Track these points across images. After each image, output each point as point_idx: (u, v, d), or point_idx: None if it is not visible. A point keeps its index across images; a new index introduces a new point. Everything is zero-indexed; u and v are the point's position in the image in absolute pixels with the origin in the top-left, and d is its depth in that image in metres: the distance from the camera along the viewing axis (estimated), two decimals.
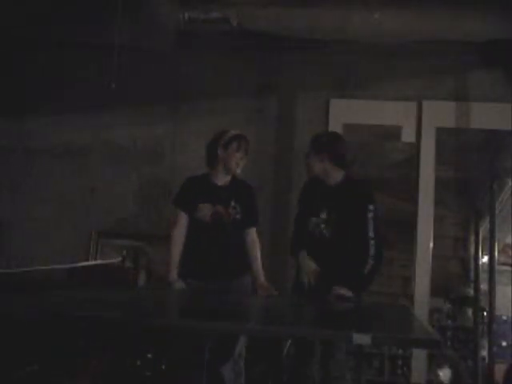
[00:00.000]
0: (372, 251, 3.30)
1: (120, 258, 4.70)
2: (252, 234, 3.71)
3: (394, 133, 4.94)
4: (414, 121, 4.90)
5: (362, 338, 1.95)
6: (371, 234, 3.32)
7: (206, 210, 3.57)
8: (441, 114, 4.88)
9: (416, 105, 4.90)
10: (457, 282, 4.96)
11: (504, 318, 4.82)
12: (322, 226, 3.45)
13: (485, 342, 4.57)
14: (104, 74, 4.24)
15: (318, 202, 3.53)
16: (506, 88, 4.72)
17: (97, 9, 4.45)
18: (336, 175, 3.47)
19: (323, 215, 3.46)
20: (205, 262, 3.57)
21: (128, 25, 4.32)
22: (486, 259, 4.69)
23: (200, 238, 3.63)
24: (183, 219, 3.63)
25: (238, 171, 3.67)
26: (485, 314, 4.65)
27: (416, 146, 4.89)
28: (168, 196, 4.03)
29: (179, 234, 3.63)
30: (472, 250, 4.80)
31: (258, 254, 3.70)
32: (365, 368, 4.80)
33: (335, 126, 4.90)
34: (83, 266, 4.58)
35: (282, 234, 4.64)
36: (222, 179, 3.67)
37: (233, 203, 3.61)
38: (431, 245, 4.77)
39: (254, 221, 3.73)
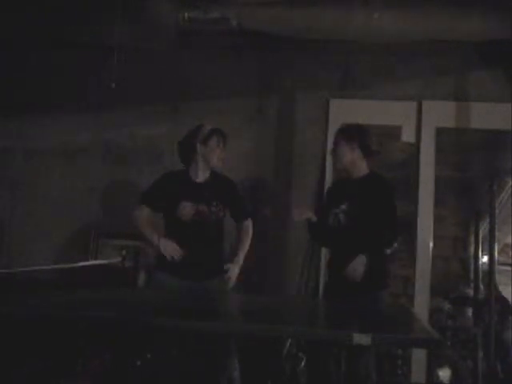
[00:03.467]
0: (391, 236, 3.41)
1: (120, 258, 4.70)
2: (244, 227, 3.68)
3: (394, 133, 4.94)
4: (414, 121, 4.90)
5: (362, 338, 1.95)
6: (393, 221, 3.39)
7: (187, 209, 3.53)
8: (441, 113, 4.87)
9: (416, 105, 4.90)
10: (457, 281, 4.95)
11: None
12: (341, 215, 3.48)
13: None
14: (104, 74, 4.24)
15: (340, 195, 3.56)
16: (506, 88, 4.72)
17: (97, 9, 4.45)
18: (362, 167, 3.52)
19: (344, 206, 3.48)
20: (188, 262, 3.53)
21: (128, 25, 4.32)
22: (485, 259, 4.68)
23: (181, 237, 3.57)
24: (144, 212, 3.63)
25: (220, 166, 3.66)
26: None
27: (416, 146, 4.89)
28: None
29: (146, 222, 3.63)
30: (472, 250, 4.79)
31: (245, 245, 3.66)
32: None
33: (335, 125, 4.88)
34: (83, 266, 4.57)
35: (282, 233, 4.64)
36: (201, 175, 3.64)
37: (215, 202, 3.58)
38: (431, 245, 4.77)
39: (242, 214, 3.70)
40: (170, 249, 3.51)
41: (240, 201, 3.74)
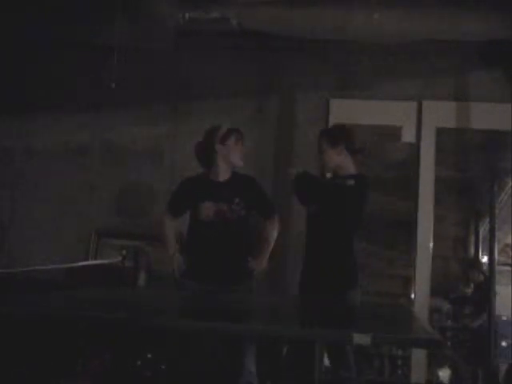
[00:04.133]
0: None
1: (120, 258, 4.70)
2: (268, 225, 3.65)
3: (394, 133, 4.94)
4: (414, 121, 4.90)
5: (362, 338, 1.95)
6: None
7: (207, 210, 3.52)
8: (441, 114, 4.87)
9: (416, 105, 4.90)
10: (457, 281, 4.96)
11: (504, 318, 4.81)
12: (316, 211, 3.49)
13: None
14: (104, 74, 4.24)
15: None
16: (506, 88, 4.72)
17: (97, 9, 4.45)
18: (350, 167, 3.50)
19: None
20: (209, 262, 3.52)
21: (128, 25, 4.32)
22: (486, 259, 4.69)
23: (204, 239, 3.56)
24: (169, 222, 3.66)
25: (241, 165, 3.64)
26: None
27: (416, 146, 4.89)
28: (168, 196, 4.03)
29: (169, 232, 3.67)
30: (472, 250, 4.79)
31: (270, 239, 3.64)
32: (365, 368, 4.80)
33: None
34: (83, 266, 4.58)
35: (282, 233, 4.63)
36: (222, 176, 3.60)
37: (236, 200, 3.56)
38: (431, 245, 4.77)
39: (266, 212, 3.66)
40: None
41: (264, 198, 3.70)
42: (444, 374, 4.68)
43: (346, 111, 4.92)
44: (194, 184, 3.65)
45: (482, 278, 4.92)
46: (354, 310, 3.13)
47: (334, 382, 3.37)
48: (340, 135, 3.52)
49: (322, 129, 3.72)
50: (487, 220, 4.55)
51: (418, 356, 4.64)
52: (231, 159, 3.58)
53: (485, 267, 4.90)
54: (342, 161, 3.49)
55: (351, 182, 3.41)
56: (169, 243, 3.67)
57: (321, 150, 3.55)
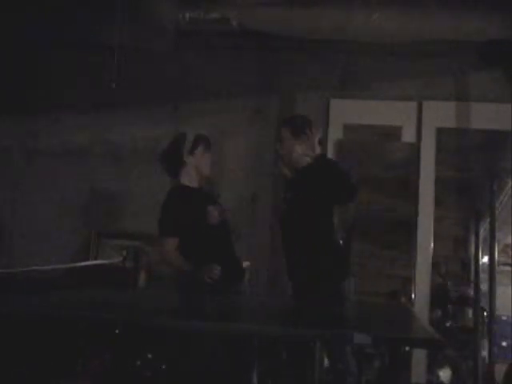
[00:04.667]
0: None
1: (120, 258, 4.70)
2: None
3: (394, 133, 4.94)
4: (414, 121, 4.90)
5: (361, 338, 1.95)
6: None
7: (214, 212, 3.46)
8: (441, 113, 4.88)
9: (416, 105, 4.90)
10: (457, 282, 4.96)
11: (504, 318, 4.81)
12: (284, 205, 3.48)
13: (485, 342, 4.57)
14: (104, 74, 4.24)
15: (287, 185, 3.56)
16: (505, 88, 4.72)
17: (97, 9, 4.45)
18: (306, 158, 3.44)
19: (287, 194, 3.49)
20: (228, 263, 3.48)
21: (128, 25, 4.32)
22: (486, 259, 4.69)
23: (215, 240, 3.50)
24: (174, 244, 3.46)
25: (209, 173, 3.61)
26: (485, 314, 4.65)
27: (416, 146, 4.89)
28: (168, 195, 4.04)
29: (177, 254, 3.47)
30: (472, 250, 4.79)
31: None
32: (365, 368, 4.80)
33: (335, 126, 4.90)
34: (83, 266, 4.58)
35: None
36: (195, 183, 3.59)
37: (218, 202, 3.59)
38: (431, 245, 4.77)
39: None
40: (214, 271, 3.36)
41: None
42: (444, 373, 4.68)
43: (346, 111, 4.93)
44: (182, 196, 3.55)
45: (440, 280, 4.94)
46: (353, 308, 3.13)
47: (333, 375, 3.36)
48: (301, 126, 3.46)
49: (285, 118, 3.67)
50: (487, 220, 4.54)
51: (418, 356, 4.63)
52: (201, 169, 3.56)
53: (444, 270, 4.92)
54: (303, 151, 3.43)
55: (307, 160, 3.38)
56: (183, 264, 3.47)
57: (282, 140, 3.51)
